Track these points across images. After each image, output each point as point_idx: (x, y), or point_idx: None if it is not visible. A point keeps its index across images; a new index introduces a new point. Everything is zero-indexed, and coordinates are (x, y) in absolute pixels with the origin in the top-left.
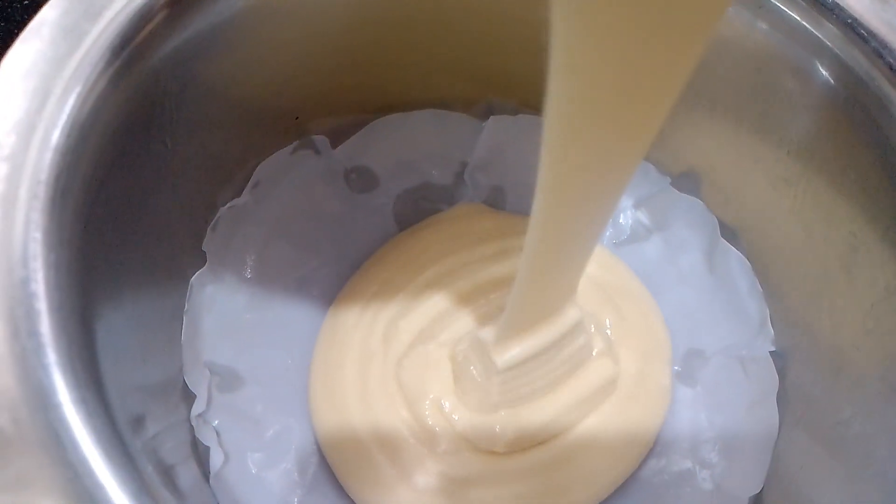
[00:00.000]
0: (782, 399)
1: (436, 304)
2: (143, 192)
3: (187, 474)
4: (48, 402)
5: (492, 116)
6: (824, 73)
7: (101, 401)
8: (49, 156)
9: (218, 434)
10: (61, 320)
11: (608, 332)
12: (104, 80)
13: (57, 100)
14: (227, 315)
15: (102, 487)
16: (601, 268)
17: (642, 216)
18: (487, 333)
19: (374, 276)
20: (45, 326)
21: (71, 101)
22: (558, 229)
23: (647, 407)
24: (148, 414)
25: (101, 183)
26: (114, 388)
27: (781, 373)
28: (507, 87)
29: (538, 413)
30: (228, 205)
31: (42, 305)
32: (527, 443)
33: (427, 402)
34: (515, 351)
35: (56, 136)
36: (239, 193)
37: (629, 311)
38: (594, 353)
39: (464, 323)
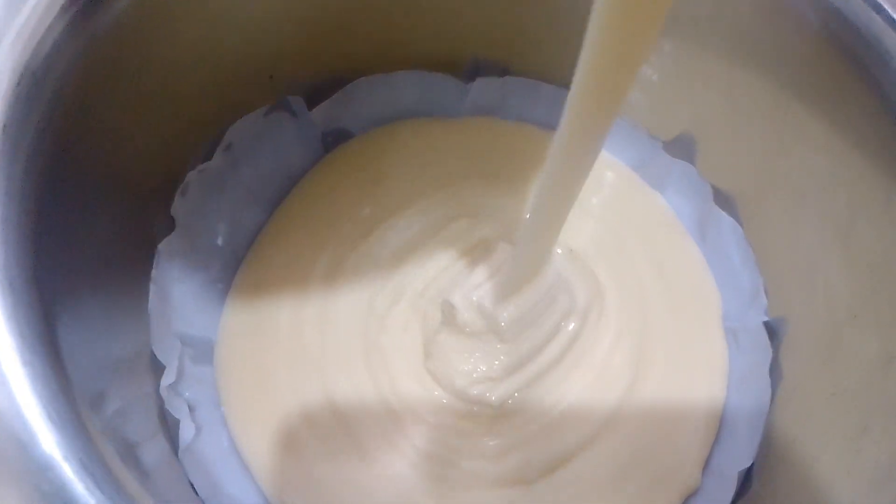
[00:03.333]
0: (775, 370)
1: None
2: (108, 151)
3: (153, 450)
4: None
5: (478, 78)
6: (824, 29)
7: (59, 377)
8: None
9: (190, 407)
10: (15, 287)
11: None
12: (60, 26)
13: (8, 45)
14: (199, 284)
15: (59, 467)
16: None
17: None
18: (483, 297)
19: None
20: None
21: (21, 47)
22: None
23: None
24: (111, 388)
25: (58, 137)
26: (74, 361)
27: (774, 343)
28: (492, 44)
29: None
30: (199, 168)
31: None
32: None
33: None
34: (513, 308)
35: (4, 83)
36: (210, 156)
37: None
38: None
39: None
